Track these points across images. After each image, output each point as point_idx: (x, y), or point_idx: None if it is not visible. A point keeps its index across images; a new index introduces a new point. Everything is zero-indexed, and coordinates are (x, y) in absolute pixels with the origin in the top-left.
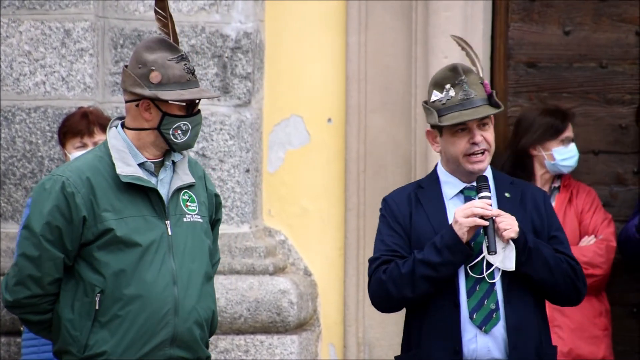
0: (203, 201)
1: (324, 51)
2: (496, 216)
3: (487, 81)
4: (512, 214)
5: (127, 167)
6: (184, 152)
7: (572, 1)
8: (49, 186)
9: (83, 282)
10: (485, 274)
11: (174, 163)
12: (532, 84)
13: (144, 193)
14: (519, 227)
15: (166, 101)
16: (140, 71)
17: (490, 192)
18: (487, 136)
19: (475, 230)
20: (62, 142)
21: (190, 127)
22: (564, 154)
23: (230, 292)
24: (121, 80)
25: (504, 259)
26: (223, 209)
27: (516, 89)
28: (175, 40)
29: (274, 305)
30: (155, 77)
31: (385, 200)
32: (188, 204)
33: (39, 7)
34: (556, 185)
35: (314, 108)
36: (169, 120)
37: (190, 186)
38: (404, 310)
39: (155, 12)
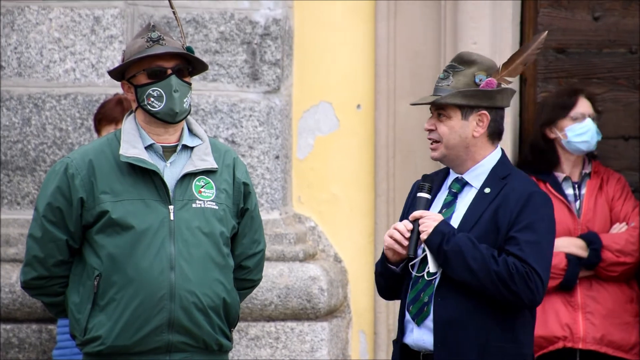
0: (224, 189)
1: (353, 38)
2: (418, 218)
3: (492, 79)
4: (473, 210)
5: (132, 149)
6: (205, 137)
7: None
8: (58, 168)
9: (87, 266)
10: (424, 273)
11: (190, 148)
12: (562, 70)
13: (149, 177)
14: (437, 228)
15: (134, 75)
16: None
17: (428, 193)
18: (439, 127)
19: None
20: (97, 128)
21: (162, 92)
22: (576, 130)
23: None
24: None
25: (430, 260)
26: None
27: (545, 74)
28: (182, 32)
29: (304, 292)
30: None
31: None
32: (202, 190)
33: None
34: (587, 171)
35: (343, 94)
36: (140, 91)
37: (209, 172)
38: None
39: (174, 14)
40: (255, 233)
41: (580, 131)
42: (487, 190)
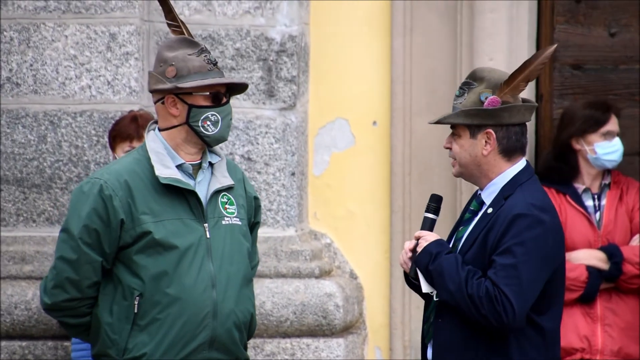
0: (242, 204)
1: (368, 54)
2: (417, 238)
3: (495, 97)
4: (475, 230)
5: (166, 170)
6: (222, 154)
7: (618, 2)
8: (87, 189)
9: (122, 286)
10: (433, 294)
11: (211, 165)
12: (578, 86)
13: (182, 196)
14: (426, 249)
15: (190, 93)
16: (161, 69)
17: (434, 214)
18: (453, 146)
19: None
20: (112, 145)
21: (219, 118)
22: (606, 148)
23: (276, 295)
24: (147, 84)
25: (422, 280)
26: (269, 213)
27: (562, 91)
28: None
29: (320, 309)
30: (171, 71)
31: None
32: (227, 206)
33: (84, 11)
34: (606, 182)
35: (359, 111)
36: (196, 112)
37: (229, 189)
38: None
39: (168, 25)
40: (254, 246)
41: (609, 150)
42: (489, 210)
